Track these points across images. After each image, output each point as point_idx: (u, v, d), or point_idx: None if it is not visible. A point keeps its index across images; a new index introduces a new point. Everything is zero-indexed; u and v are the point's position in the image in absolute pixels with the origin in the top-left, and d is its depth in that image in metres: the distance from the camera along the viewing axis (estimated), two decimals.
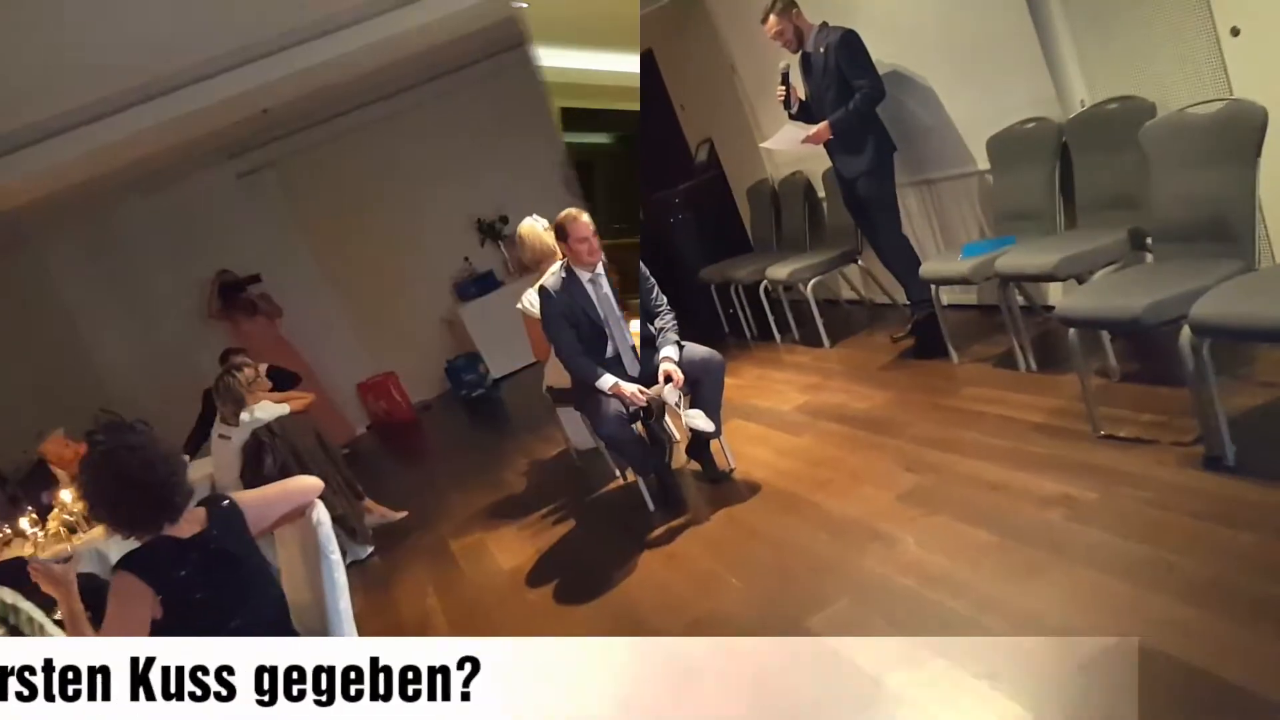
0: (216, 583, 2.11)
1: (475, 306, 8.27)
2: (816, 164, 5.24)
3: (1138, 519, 2.52)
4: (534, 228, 4.44)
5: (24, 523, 4.61)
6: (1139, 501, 2.59)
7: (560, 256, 3.95)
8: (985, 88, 4.15)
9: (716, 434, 3.90)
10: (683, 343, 3.89)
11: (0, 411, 6.97)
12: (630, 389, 3.67)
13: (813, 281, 5.10)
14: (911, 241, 4.66)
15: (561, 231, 3.79)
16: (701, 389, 3.82)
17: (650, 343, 3.89)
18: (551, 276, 3.90)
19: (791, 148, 4.67)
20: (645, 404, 3.67)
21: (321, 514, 2.42)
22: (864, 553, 2.91)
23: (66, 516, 4.60)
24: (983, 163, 4.26)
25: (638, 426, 3.80)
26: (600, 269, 3.89)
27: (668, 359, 3.76)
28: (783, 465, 3.86)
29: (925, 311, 4.36)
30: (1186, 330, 2.47)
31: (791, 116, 4.65)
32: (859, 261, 5.29)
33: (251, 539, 2.25)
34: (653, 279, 4.01)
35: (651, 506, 3.92)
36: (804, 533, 3.23)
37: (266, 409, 4.57)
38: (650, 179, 7.41)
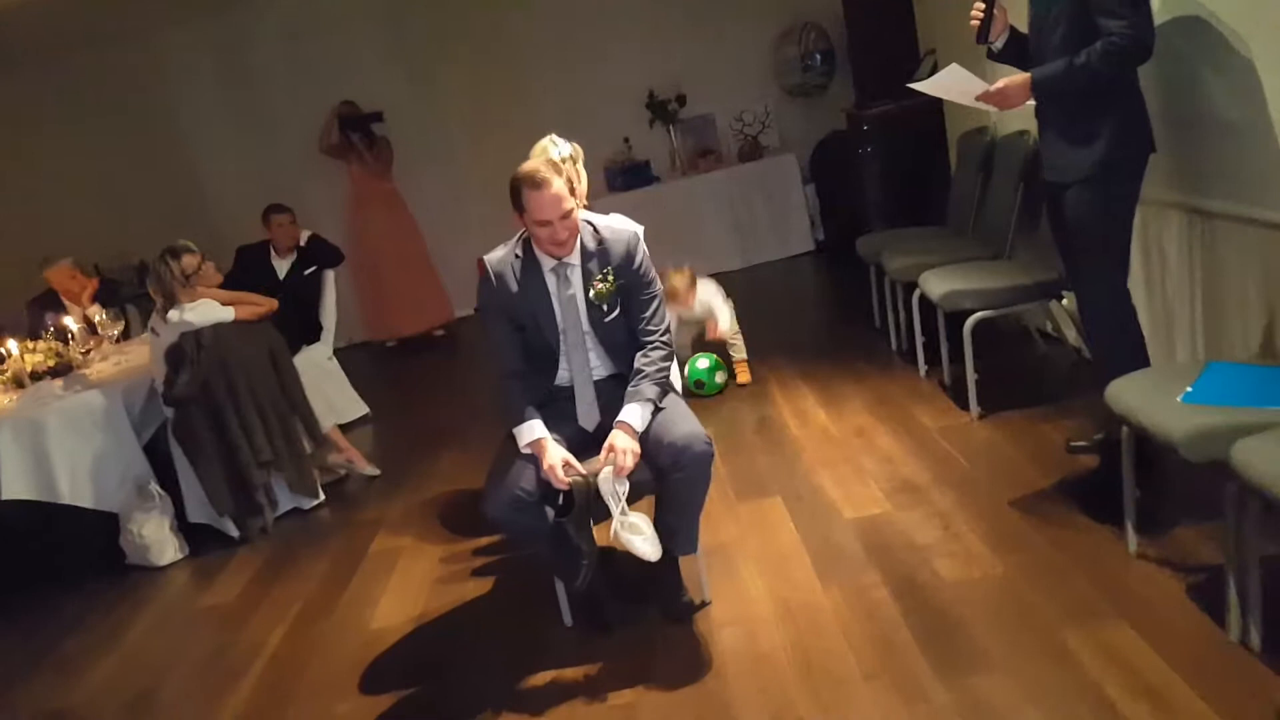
0: None
1: (615, 202, 7.02)
2: None
3: None
4: (543, 155, 3.12)
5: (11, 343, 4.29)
6: None
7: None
8: None
9: (676, 554, 2.57)
10: (662, 403, 2.52)
11: (110, 220, 6.84)
12: (555, 457, 2.40)
13: (976, 316, 3.43)
14: (1138, 307, 2.86)
15: (517, 195, 2.47)
16: (668, 488, 2.47)
17: (625, 381, 2.57)
18: (502, 250, 2.63)
19: (958, 99, 2.92)
20: (568, 488, 2.39)
21: None
22: None
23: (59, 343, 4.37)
24: None
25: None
26: (574, 257, 2.56)
27: (624, 426, 2.43)
28: (776, 635, 2.50)
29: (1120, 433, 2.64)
30: None
31: (990, 55, 2.90)
32: (1063, 299, 3.52)
33: None
34: (654, 276, 2.63)
35: (568, 620, 2.72)
36: None
37: (201, 311, 3.75)
38: (864, 83, 5.69)
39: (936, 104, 4.82)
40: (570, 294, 2.57)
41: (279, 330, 4.32)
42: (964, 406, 3.58)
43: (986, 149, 4.17)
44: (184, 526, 3.96)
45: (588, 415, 2.62)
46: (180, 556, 3.88)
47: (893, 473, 3.26)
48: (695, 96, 7.15)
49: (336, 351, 5.44)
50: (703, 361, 4.34)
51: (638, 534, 2.39)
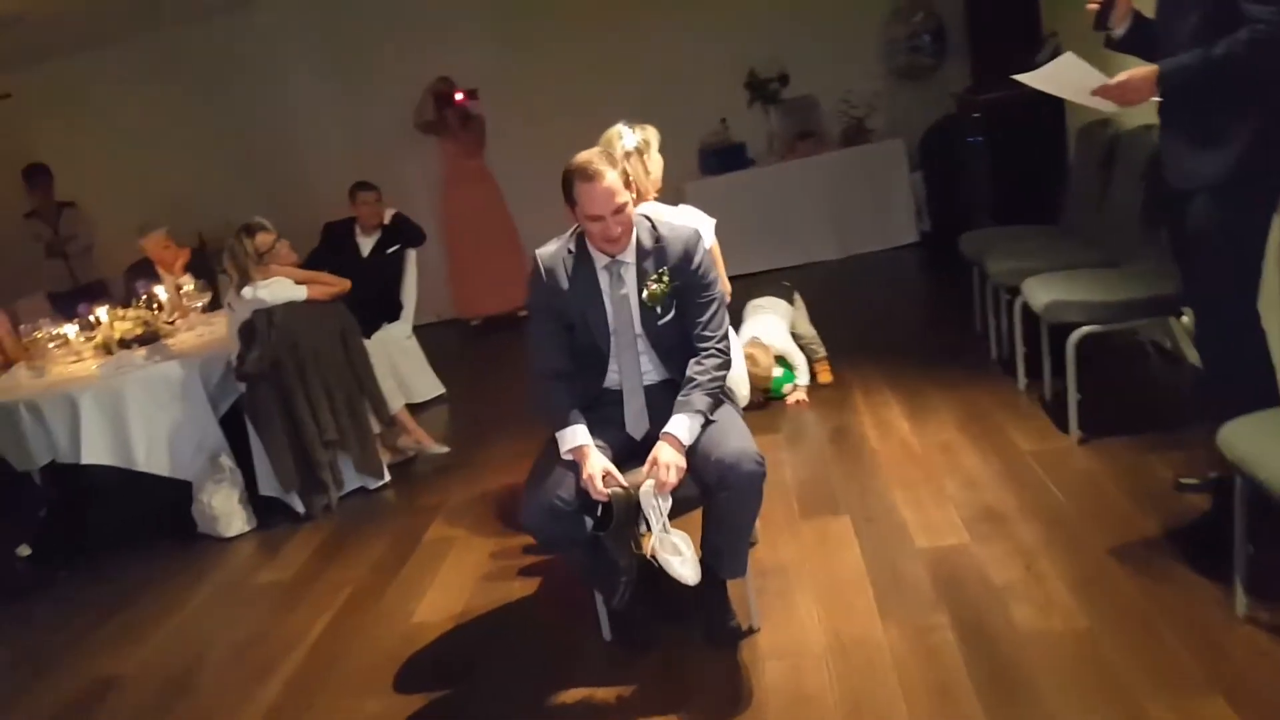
0: None
1: (707, 186, 6.86)
2: None
3: None
4: (613, 142, 2.99)
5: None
6: None
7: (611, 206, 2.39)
8: None
9: (722, 576, 2.42)
10: (714, 415, 2.36)
11: (215, 190, 7.06)
12: (595, 467, 2.28)
13: (1083, 330, 3.13)
14: (1269, 335, 2.53)
15: (569, 188, 2.35)
16: (715, 507, 2.33)
17: (677, 388, 2.42)
18: (555, 244, 2.51)
19: (1070, 96, 2.62)
20: (607, 500, 2.27)
21: None
22: None
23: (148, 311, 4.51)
24: None
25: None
26: (629, 255, 2.42)
27: (670, 438, 2.29)
28: (824, 672, 2.33)
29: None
30: None
31: (1109, 43, 2.60)
32: (1182, 317, 3.19)
33: None
34: (714, 278, 2.46)
35: (606, 634, 2.61)
36: None
37: (274, 289, 3.78)
38: (981, 66, 5.33)
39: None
40: (623, 293, 2.44)
41: (360, 308, 4.36)
42: (1063, 428, 3.29)
43: (1109, 144, 3.81)
44: (255, 499, 4.02)
45: (636, 423, 2.49)
46: (247, 529, 3.95)
47: (976, 499, 3.01)
48: (799, 76, 6.87)
49: (423, 328, 5.47)
50: (775, 370, 4.15)
51: (676, 554, 2.25)
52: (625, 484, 2.29)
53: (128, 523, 4.37)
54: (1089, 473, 3.03)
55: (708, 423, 2.36)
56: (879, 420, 3.79)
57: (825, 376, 4.25)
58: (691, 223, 3.02)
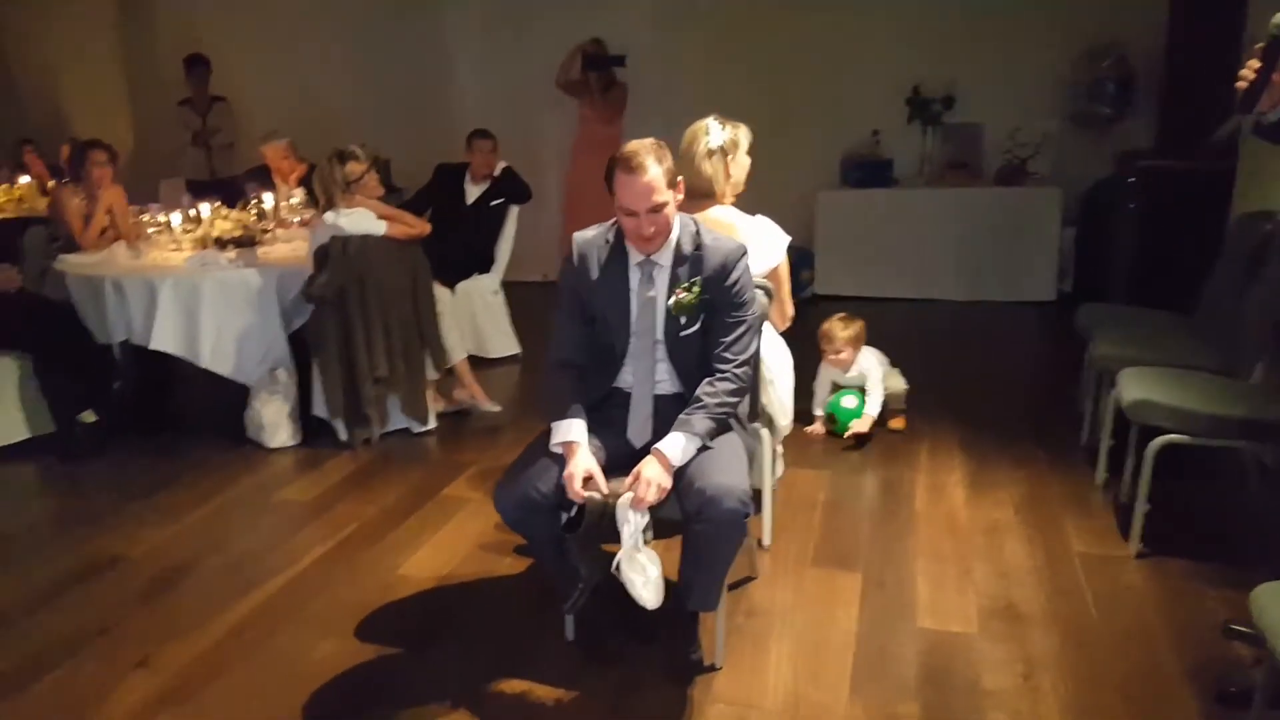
0: None
1: (842, 198, 6.68)
2: None
3: None
4: (692, 140, 2.93)
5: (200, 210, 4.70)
6: None
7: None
8: None
9: (690, 607, 2.35)
10: (711, 442, 2.28)
11: (367, 117, 7.32)
12: (578, 466, 2.25)
13: (1167, 438, 2.87)
14: None
15: (610, 176, 2.31)
16: (690, 536, 2.26)
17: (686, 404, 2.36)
18: (595, 231, 2.47)
19: None
20: (582, 502, 2.23)
21: None
22: None
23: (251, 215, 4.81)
24: None
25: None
26: (665, 257, 2.36)
27: (659, 455, 2.23)
28: None
29: None
30: None
31: (1258, 129, 2.35)
32: None
33: None
34: (749, 298, 2.37)
35: (569, 634, 2.59)
36: None
37: (355, 219, 3.89)
38: (1169, 126, 4.95)
39: (1227, 169, 4.08)
40: (651, 295, 2.38)
41: (454, 254, 4.41)
42: (1126, 536, 3.03)
43: (1265, 238, 3.46)
44: (307, 417, 4.18)
45: (640, 431, 2.43)
46: (290, 444, 4.12)
47: (1001, 590, 2.82)
48: (966, 101, 6.57)
49: (523, 284, 5.54)
50: (849, 400, 4.00)
51: (641, 574, 2.19)
52: (606, 490, 2.24)
53: (196, 411, 4.62)
54: (1135, 591, 2.78)
55: (704, 448, 2.28)
56: (935, 482, 3.60)
57: (898, 423, 4.07)
58: (764, 237, 2.94)
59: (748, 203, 2.99)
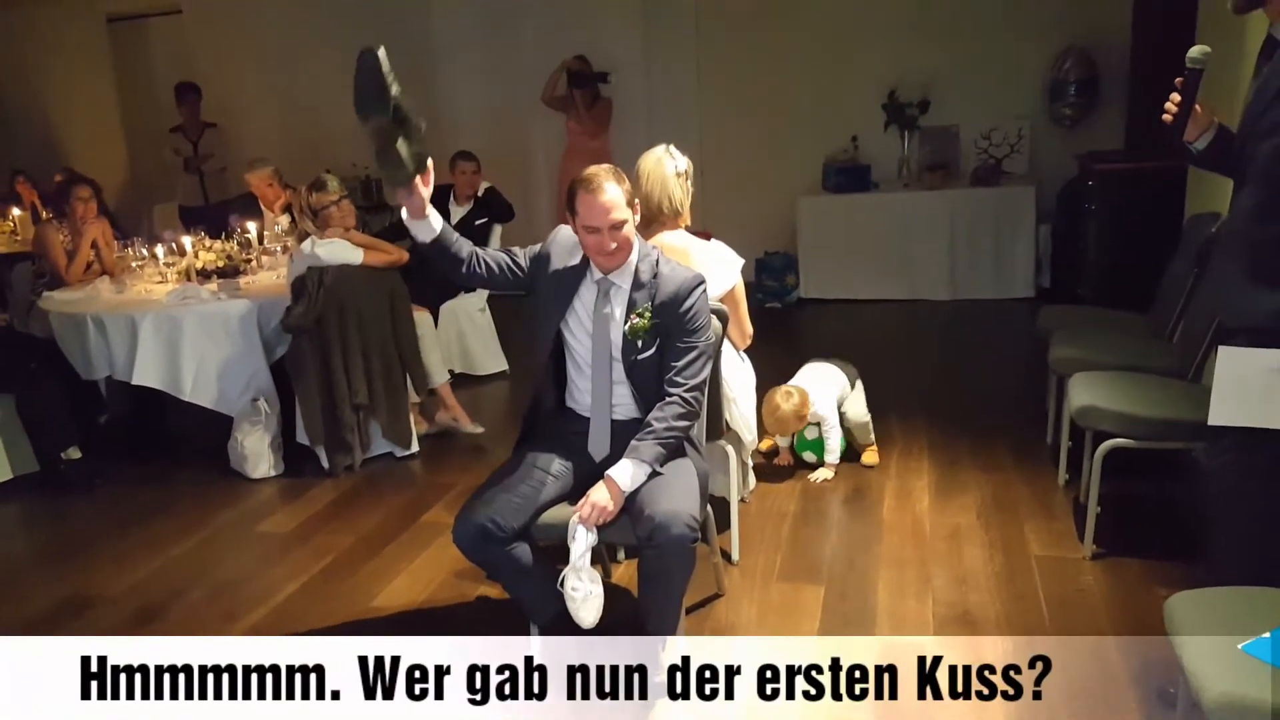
0: None
1: (823, 204, 6.75)
2: None
3: None
4: (658, 163, 3.02)
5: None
6: None
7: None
8: None
9: (648, 631, 2.44)
10: (662, 468, 2.37)
11: (346, 130, 7.37)
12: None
13: (1114, 443, 2.95)
14: None
15: (571, 199, 2.40)
16: (643, 562, 2.35)
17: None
18: (572, 235, 2.55)
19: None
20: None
21: None
22: None
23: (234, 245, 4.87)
24: None
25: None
26: (625, 279, 2.45)
27: (610, 481, 2.32)
28: None
29: None
30: None
31: (1191, 158, 2.42)
32: None
33: None
34: (702, 324, 2.46)
35: (536, 655, 2.67)
36: None
37: (333, 249, 3.99)
38: (1136, 127, 5.02)
39: (1178, 169, 4.14)
40: (606, 313, 2.47)
41: (438, 275, 4.47)
42: (1083, 538, 3.11)
43: (1209, 239, 3.53)
44: (291, 445, 4.27)
45: (598, 443, 2.52)
46: (272, 474, 4.20)
47: (959, 597, 2.90)
48: (941, 104, 6.65)
49: (515, 300, 5.58)
50: (811, 431, 3.85)
51: (578, 592, 2.28)
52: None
53: (185, 438, 4.72)
54: (1086, 593, 2.86)
55: (655, 473, 2.37)
56: (903, 488, 3.68)
57: (871, 457, 3.88)
58: (718, 262, 3.03)
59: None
